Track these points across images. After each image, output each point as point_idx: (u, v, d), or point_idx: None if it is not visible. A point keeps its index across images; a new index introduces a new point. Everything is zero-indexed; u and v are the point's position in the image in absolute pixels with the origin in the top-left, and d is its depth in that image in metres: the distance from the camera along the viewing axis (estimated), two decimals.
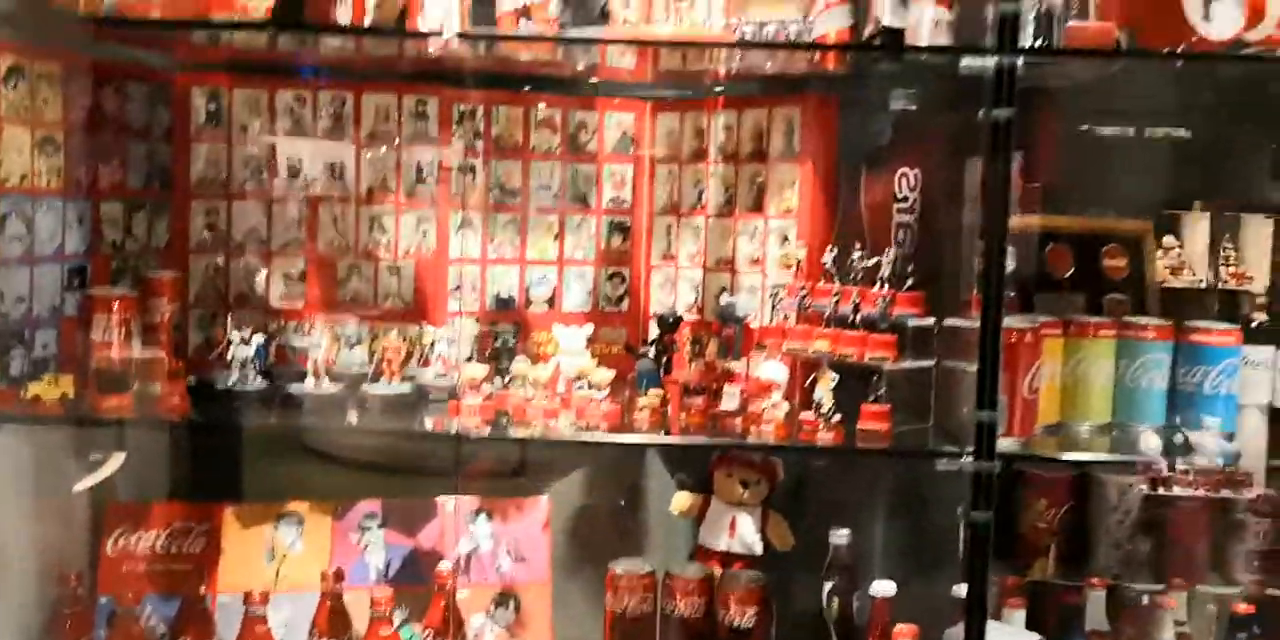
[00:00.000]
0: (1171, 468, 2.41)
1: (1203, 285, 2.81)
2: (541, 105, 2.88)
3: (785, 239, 2.72)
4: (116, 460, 2.20)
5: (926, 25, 2.23)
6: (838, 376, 2.34)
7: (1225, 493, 2.45)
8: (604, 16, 2.36)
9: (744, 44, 2.32)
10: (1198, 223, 2.86)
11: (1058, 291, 2.77)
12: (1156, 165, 2.86)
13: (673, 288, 2.94)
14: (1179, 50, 2.27)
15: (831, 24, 2.38)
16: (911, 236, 2.65)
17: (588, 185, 2.94)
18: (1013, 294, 2.66)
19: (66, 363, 2.37)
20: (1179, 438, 2.34)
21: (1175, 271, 2.87)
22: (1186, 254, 2.88)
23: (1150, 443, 2.34)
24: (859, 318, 2.41)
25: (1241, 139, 2.83)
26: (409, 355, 2.60)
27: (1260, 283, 2.76)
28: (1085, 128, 2.86)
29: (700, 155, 2.88)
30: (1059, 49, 2.19)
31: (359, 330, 2.63)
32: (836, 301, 2.48)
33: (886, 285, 2.45)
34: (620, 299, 2.98)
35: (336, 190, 2.78)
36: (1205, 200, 2.86)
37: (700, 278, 2.89)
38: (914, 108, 2.77)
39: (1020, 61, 2.07)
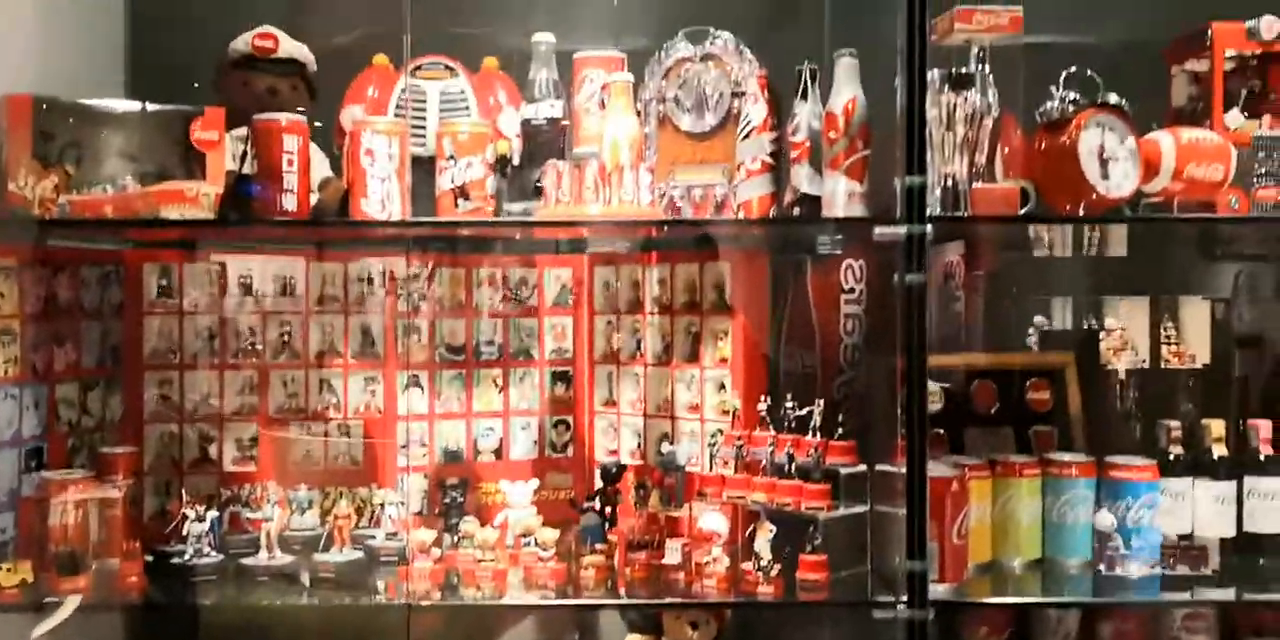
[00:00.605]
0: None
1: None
2: (483, 267, 2.98)
3: (722, 387, 2.83)
4: (72, 602, 2.25)
5: (841, 196, 2.37)
6: (775, 528, 2.43)
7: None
8: (538, 191, 2.49)
9: (671, 222, 2.46)
10: (1136, 307, 2.98)
11: (986, 426, 2.88)
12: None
13: (616, 434, 3.03)
14: (1080, 210, 2.40)
15: (754, 191, 2.53)
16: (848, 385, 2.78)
17: (530, 338, 3.04)
18: (942, 431, 2.78)
19: (25, 545, 2.42)
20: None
21: (1117, 352, 2.99)
22: (1128, 336, 3.00)
23: (1104, 520, 2.45)
24: (794, 467, 2.51)
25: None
26: (359, 513, 2.68)
27: (1201, 361, 2.89)
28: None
29: (637, 306, 2.99)
30: (963, 217, 2.33)
31: (309, 495, 2.69)
32: (772, 450, 2.58)
33: (819, 434, 2.55)
34: (566, 445, 3.08)
35: (286, 354, 2.86)
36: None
37: (642, 424, 2.98)
38: (839, 253, 2.89)
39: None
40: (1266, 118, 2.69)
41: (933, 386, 2.86)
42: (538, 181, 2.45)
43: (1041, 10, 3.10)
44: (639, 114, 2.66)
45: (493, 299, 2.99)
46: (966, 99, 2.34)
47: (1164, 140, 2.50)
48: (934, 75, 2.34)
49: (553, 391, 3.06)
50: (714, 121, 2.66)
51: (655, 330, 2.97)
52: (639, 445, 2.99)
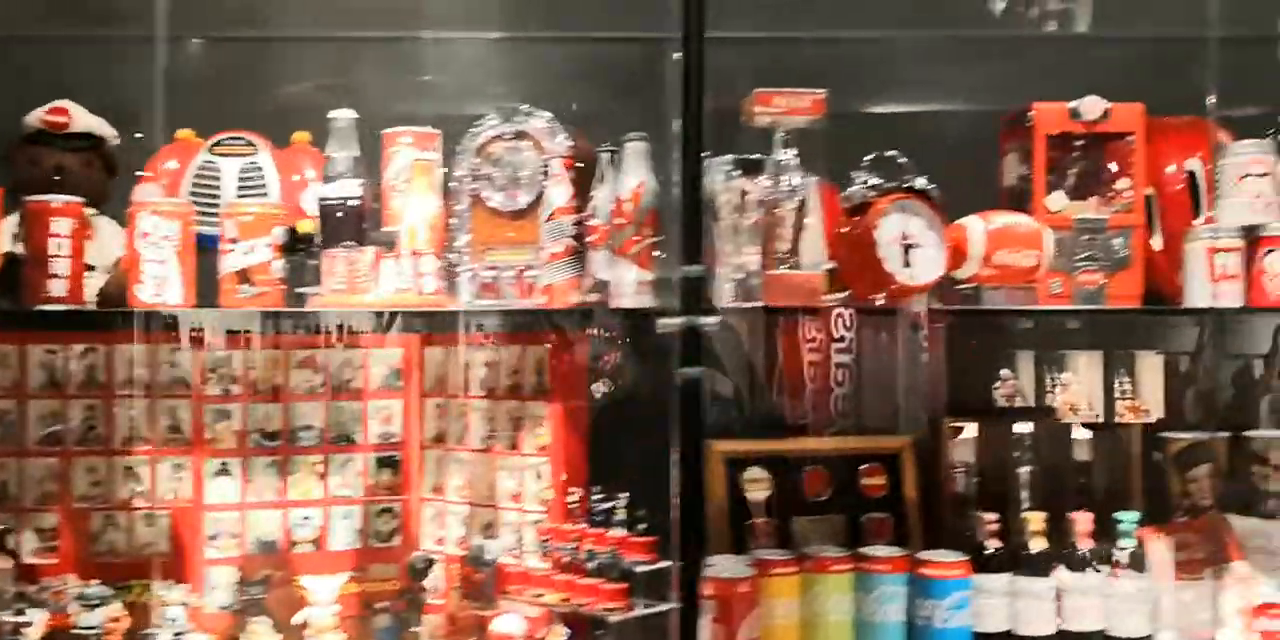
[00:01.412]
0: None
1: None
2: (301, 348, 2.88)
3: (539, 476, 2.72)
4: None
5: (628, 285, 2.28)
6: (568, 631, 2.32)
7: None
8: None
9: (468, 312, 2.37)
10: (1091, 361, 2.90)
11: (817, 514, 2.78)
12: None
13: (443, 522, 2.92)
14: (879, 298, 2.32)
15: (556, 275, 2.44)
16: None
17: (353, 422, 2.93)
18: (764, 520, 2.67)
19: None
20: None
21: (1009, 399, 2.89)
22: (1083, 391, 2.91)
23: None
24: (594, 564, 2.40)
25: None
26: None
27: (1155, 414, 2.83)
28: None
29: (464, 389, 2.89)
30: (749, 307, 2.24)
31: (100, 591, 2.57)
32: (575, 546, 2.47)
33: (622, 529, 2.44)
34: (392, 535, 2.95)
35: (91, 442, 2.74)
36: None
37: (467, 512, 2.87)
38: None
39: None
40: (1093, 200, 2.62)
41: (760, 473, 2.77)
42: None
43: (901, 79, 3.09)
44: (449, 192, 2.57)
45: (311, 382, 2.87)
46: (759, 184, 2.24)
47: (972, 226, 2.43)
48: (725, 160, 2.25)
49: (378, 478, 2.94)
50: (527, 201, 2.57)
51: (480, 414, 2.86)
52: (465, 535, 2.87)
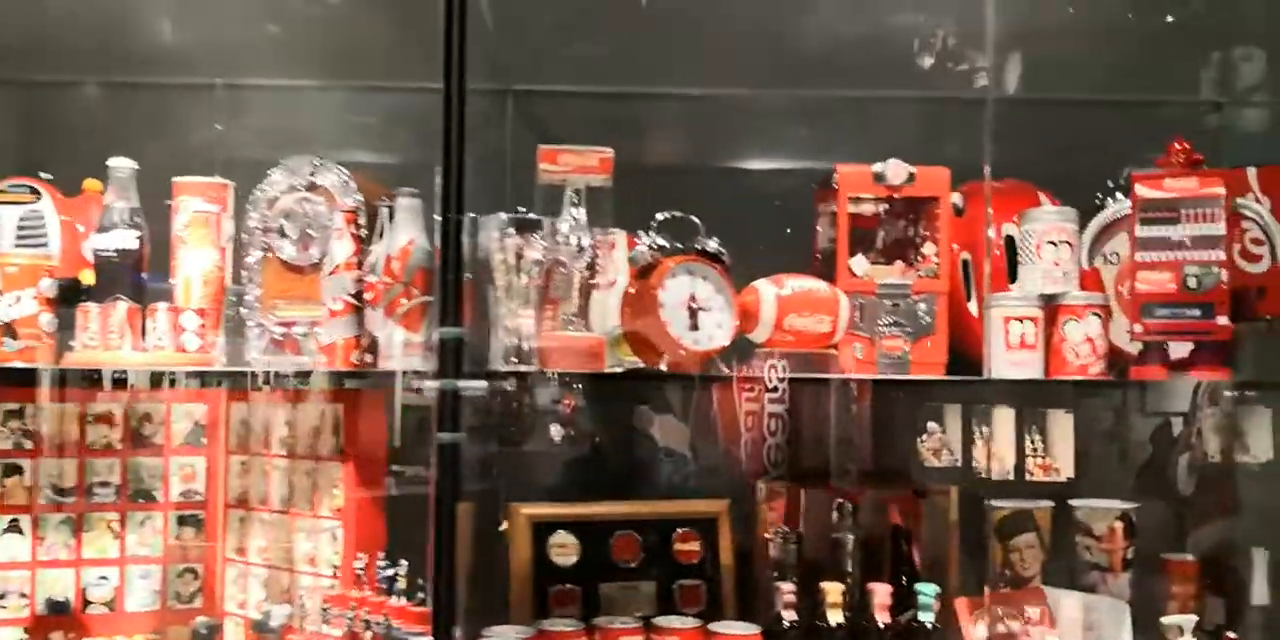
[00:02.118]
0: None
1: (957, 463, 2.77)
2: (98, 402, 2.78)
3: (335, 539, 2.62)
4: None
5: (397, 346, 2.21)
6: None
7: None
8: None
9: (228, 372, 2.29)
10: (1007, 417, 2.83)
11: (627, 580, 2.70)
12: None
13: (245, 584, 2.81)
14: (663, 363, 2.25)
15: (336, 333, 2.36)
16: None
17: (153, 479, 2.83)
18: (568, 587, 2.59)
19: None
20: None
21: (936, 453, 2.82)
22: (995, 448, 2.84)
23: None
24: (369, 634, 2.30)
25: None
26: None
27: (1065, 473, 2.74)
28: None
29: (266, 447, 2.79)
30: (517, 372, 2.16)
31: None
32: (352, 616, 2.37)
33: (402, 598, 2.35)
34: (194, 596, 2.84)
35: None
36: None
37: (267, 575, 2.76)
38: None
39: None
40: (898, 264, 2.57)
41: (567, 538, 2.69)
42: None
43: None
44: (242, 243, 2.49)
45: (109, 436, 2.77)
46: (536, 244, 2.17)
47: (764, 291, 2.37)
48: (501, 219, 2.18)
49: (179, 536, 2.83)
50: (318, 255, 2.49)
51: (282, 474, 2.76)
52: (265, 599, 2.76)
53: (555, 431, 2.56)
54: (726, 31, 2.88)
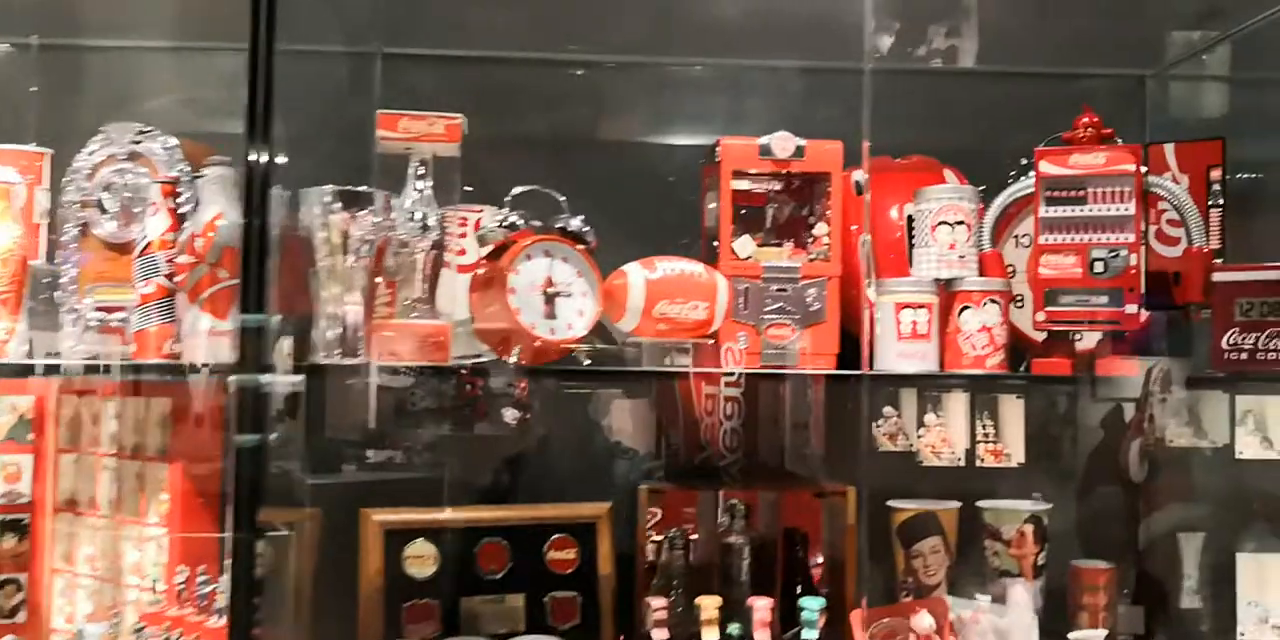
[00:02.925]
0: None
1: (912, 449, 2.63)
2: None
3: (160, 548, 2.35)
4: None
5: (201, 335, 1.94)
6: None
7: None
8: None
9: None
10: (959, 401, 2.60)
11: (492, 593, 2.46)
12: None
13: (73, 597, 2.53)
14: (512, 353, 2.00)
15: (148, 320, 2.11)
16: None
17: None
18: (425, 602, 2.34)
19: None
20: None
21: (892, 438, 2.60)
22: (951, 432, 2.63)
23: None
24: None
25: None
26: None
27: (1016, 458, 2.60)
28: None
29: (95, 445, 2.51)
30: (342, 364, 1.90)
31: None
32: (165, 636, 2.11)
33: (222, 616, 2.08)
34: (16, 610, 2.56)
35: None
36: None
37: (95, 587, 2.49)
38: None
39: None
40: (788, 246, 2.32)
41: (426, 547, 2.44)
42: None
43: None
44: (56, 220, 2.21)
45: None
46: (364, 220, 1.91)
47: (632, 274, 2.13)
48: (324, 191, 1.91)
49: (0, 544, 2.55)
50: (141, 232, 2.22)
51: (111, 475, 2.48)
52: (94, 613, 2.49)
53: (510, 415, 2.30)
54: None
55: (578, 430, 2.62)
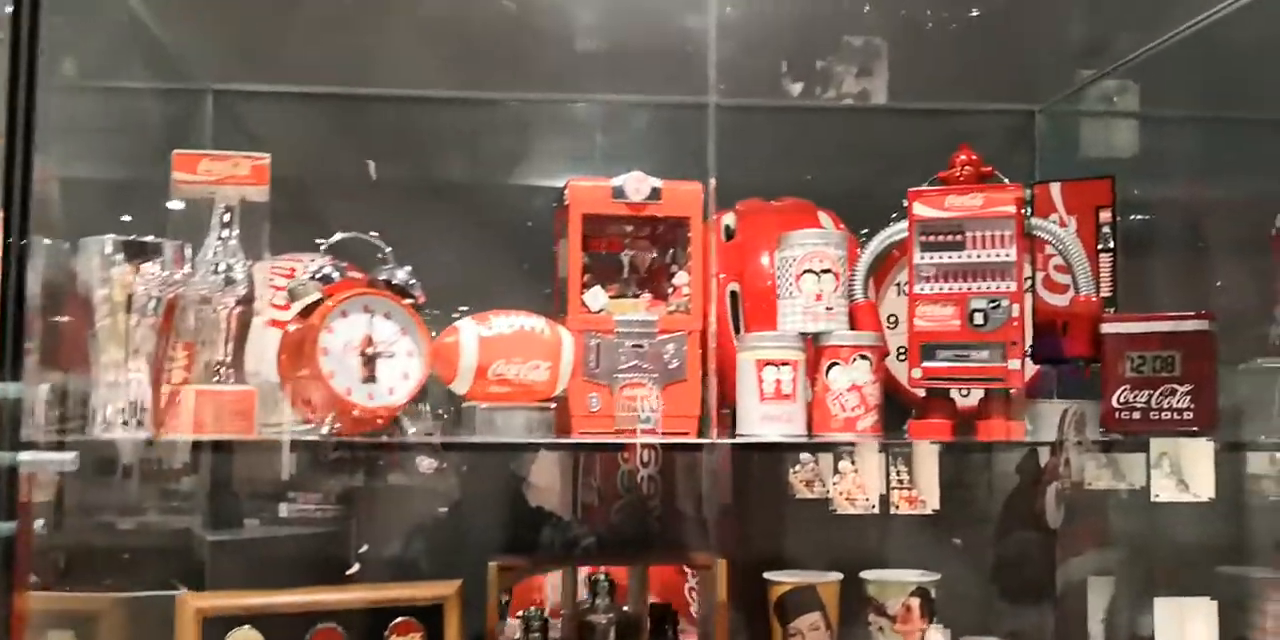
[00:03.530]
0: None
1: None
2: None
3: None
4: None
5: None
6: None
7: None
8: None
9: None
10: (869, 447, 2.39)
11: None
12: None
13: None
14: (327, 423, 1.76)
15: None
16: None
17: None
18: None
19: None
20: None
21: (809, 484, 2.38)
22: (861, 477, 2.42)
23: None
24: None
25: None
26: None
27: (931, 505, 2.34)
28: None
29: None
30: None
31: None
32: None
33: None
34: None
35: None
36: None
37: None
38: None
39: None
40: (646, 297, 2.11)
41: (250, 634, 2.18)
42: None
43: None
44: None
45: None
46: (148, 275, 1.67)
47: (465, 331, 1.91)
48: (102, 241, 1.67)
49: None
50: None
51: None
52: None
53: (425, 465, 2.05)
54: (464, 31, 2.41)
55: (425, 499, 2.38)
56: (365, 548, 2.31)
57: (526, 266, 2.45)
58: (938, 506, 2.43)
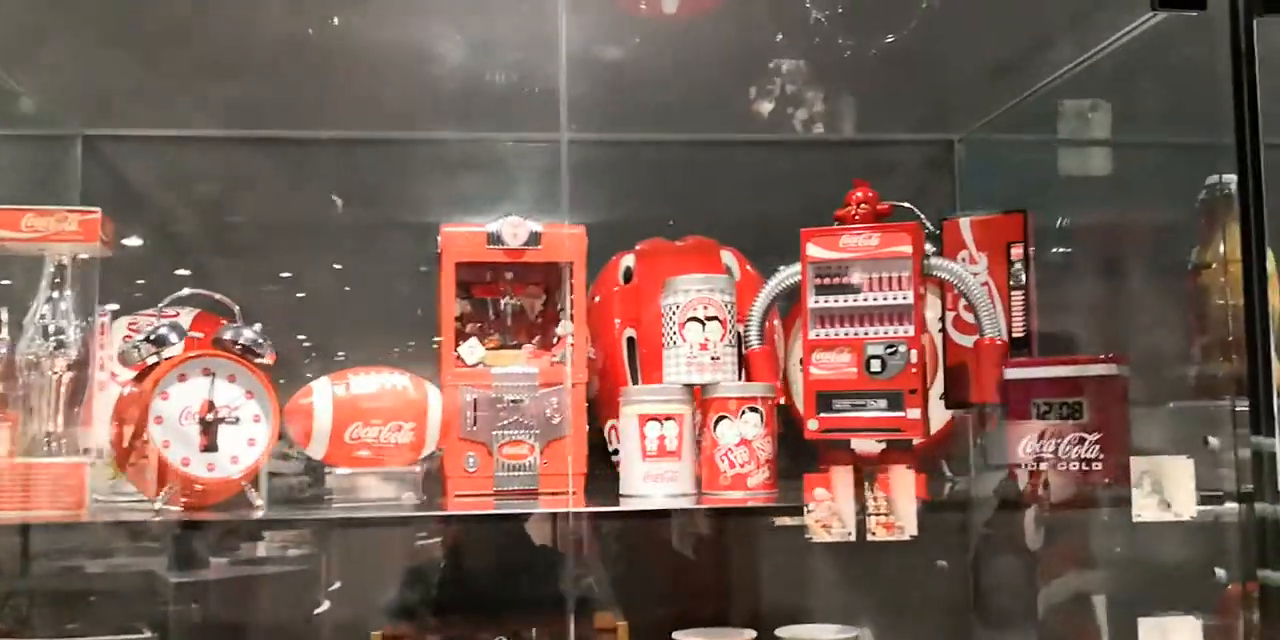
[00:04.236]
0: None
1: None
2: None
3: None
4: None
5: None
6: None
7: None
8: None
9: None
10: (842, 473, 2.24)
11: None
12: None
13: None
14: (164, 496, 1.61)
15: None
16: None
17: None
18: None
19: None
20: None
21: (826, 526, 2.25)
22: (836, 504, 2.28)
23: None
24: None
25: None
26: None
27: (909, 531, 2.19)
28: None
29: None
30: None
31: None
32: None
33: None
34: None
35: None
36: None
37: None
38: None
39: None
40: (527, 348, 1.98)
41: None
42: None
43: None
44: None
45: None
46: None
47: (318, 393, 1.77)
48: None
49: None
50: None
51: None
52: None
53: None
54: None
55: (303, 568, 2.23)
56: None
57: (420, 313, 2.31)
58: (915, 532, 2.31)
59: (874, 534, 2.39)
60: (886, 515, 2.32)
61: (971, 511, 2.34)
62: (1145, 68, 2.13)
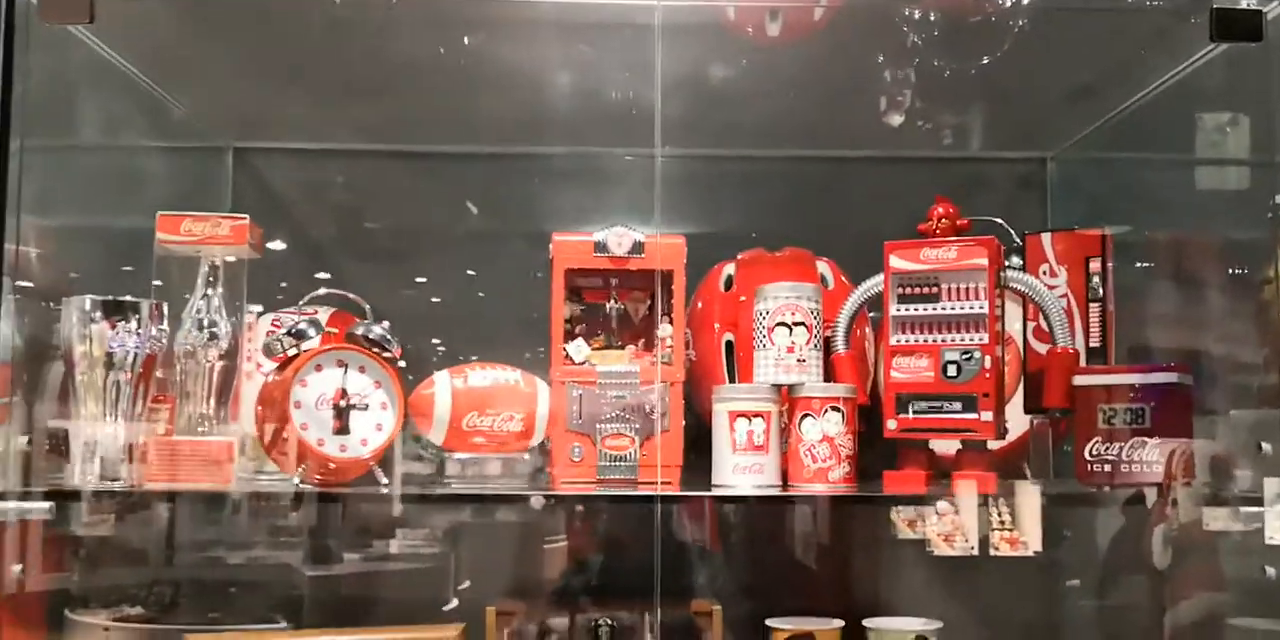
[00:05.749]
0: None
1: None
2: None
3: None
4: None
5: None
6: None
7: None
8: None
9: None
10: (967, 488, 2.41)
11: None
12: None
13: None
14: (300, 474, 1.83)
15: None
16: None
17: None
18: None
19: None
20: None
21: (911, 524, 2.40)
22: (960, 517, 2.43)
23: None
24: None
25: None
26: None
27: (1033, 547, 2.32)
28: None
29: None
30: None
31: None
32: None
33: None
34: None
35: None
36: None
37: None
38: None
39: None
40: (630, 349, 2.16)
41: None
42: None
43: None
44: None
45: None
46: (123, 332, 1.76)
47: (439, 384, 1.97)
48: (84, 301, 1.77)
49: None
50: None
51: None
52: None
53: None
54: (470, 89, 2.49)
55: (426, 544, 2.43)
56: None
57: (536, 316, 2.49)
58: (1039, 548, 2.41)
59: (997, 549, 2.49)
60: (1010, 530, 2.43)
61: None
62: (1228, 88, 2.22)
